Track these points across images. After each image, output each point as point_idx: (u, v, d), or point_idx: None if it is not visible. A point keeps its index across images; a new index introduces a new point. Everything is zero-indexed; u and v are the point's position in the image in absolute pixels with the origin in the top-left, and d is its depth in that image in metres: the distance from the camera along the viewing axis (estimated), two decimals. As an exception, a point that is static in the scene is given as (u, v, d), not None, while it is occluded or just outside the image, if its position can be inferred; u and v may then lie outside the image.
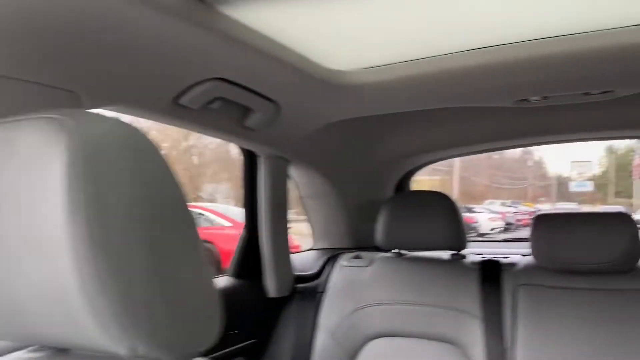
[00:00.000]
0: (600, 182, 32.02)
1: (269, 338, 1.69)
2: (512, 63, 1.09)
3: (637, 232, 1.42)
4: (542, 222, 1.53)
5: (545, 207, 26.01)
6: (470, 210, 17.73)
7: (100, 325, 0.44)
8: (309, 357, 1.63)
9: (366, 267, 1.73)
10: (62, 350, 0.54)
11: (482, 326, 1.48)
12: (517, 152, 34.49)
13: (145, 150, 0.50)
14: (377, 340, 1.61)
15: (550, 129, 1.78)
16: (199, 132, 1.27)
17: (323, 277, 1.78)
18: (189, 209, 0.53)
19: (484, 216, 17.12)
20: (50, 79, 0.83)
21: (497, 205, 23.40)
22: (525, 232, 1.68)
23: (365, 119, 1.54)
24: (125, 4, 0.76)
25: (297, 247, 2.14)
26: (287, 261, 1.71)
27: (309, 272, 1.81)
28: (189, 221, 0.52)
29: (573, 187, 27.86)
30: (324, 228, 2.04)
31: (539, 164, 37.47)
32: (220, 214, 8.71)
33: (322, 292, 1.73)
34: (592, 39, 0.99)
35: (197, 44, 0.92)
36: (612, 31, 0.97)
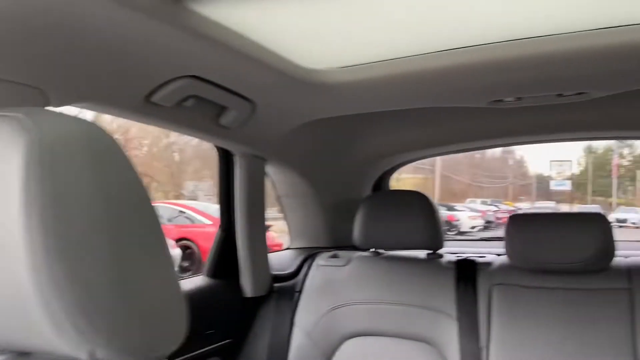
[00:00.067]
0: (579, 181, 32.55)
1: (245, 338, 1.68)
2: (485, 64, 1.09)
3: (611, 232, 1.44)
4: (516, 222, 1.54)
5: (525, 206, 26.39)
6: (451, 209, 17.91)
7: (58, 329, 0.43)
8: (285, 357, 1.63)
9: (343, 266, 1.73)
10: (23, 354, 0.53)
11: (457, 325, 1.49)
12: (498, 151, 34.91)
13: (107, 150, 0.49)
14: (353, 339, 1.61)
15: (525, 129, 1.80)
16: (172, 130, 1.25)
17: (300, 276, 1.77)
18: (153, 209, 0.52)
19: (465, 214, 17.31)
20: (16, 76, 0.81)
21: (477, 203, 23.68)
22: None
23: (343, 118, 1.54)
24: (94, 0, 0.74)
25: (279, 244, 2.13)
26: (264, 260, 1.70)
27: (286, 272, 1.80)
28: (152, 222, 0.51)
29: (553, 186, 28.29)
30: (302, 227, 2.03)
31: (520, 163, 37.98)
32: (201, 211, 8.66)
33: (299, 292, 1.73)
34: (566, 41, 1.00)
35: (169, 42, 0.91)
36: (585, 33, 0.98)
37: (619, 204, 28.82)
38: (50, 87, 0.86)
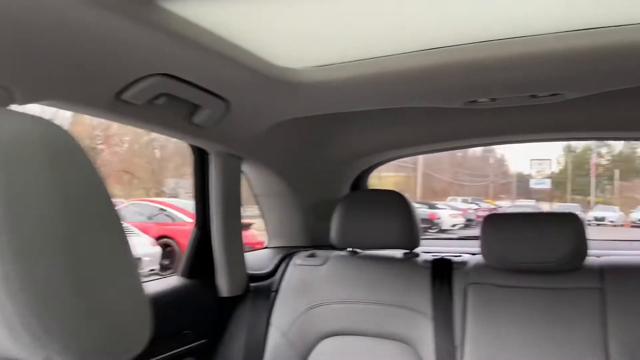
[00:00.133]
0: (558, 180, 33.00)
1: (220, 338, 1.67)
2: (459, 65, 1.10)
3: (584, 232, 1.46)
4: (491, 222, 1.55)
5: (506, 204, 26.67)
6: (432, 207, 18.05)
7: (11, 334, 0.42)
8: (261, 357, 1.62)
9: (320, 265, 1.73)
10: None
11: (432, 324, 1.50)
12: (479, 149, 35.21)
13: (67, 150, 0.48)
14: (329, 339, 1.61)
15: (502, 130, 1.81)
16: (144, 128, 1.24)
17: (277, 275, 1.77)
18: (115, 210, 0.51)
19: (446, 213, 17.46)
20: None
21: (459, 201, 23.88)
22: None
23: (320, 117, 1.53)
24: None
25: (261, 243, 2.12)
26: (241, 260, 1.69)
27: (263, 271, 1.79)
28: (114, 223, 0.50)
29: (533, 184, 28.65)
30: (279, 226, 2.02)
31: (501, 162, 38.36)
32: (181, 209, 8.60)
33: (276, 291, 1.72)
34: (539, 43, 1.00)
35: (138, 39, 0.90)
36: (558, 35, 0.98)
37: (597, 203, 29.31)
38: (14, 85, 0.84)
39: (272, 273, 1.78)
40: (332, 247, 1.74)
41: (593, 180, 32.20)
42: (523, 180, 33.21)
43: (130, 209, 9.73)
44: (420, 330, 1.51)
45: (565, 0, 0.88)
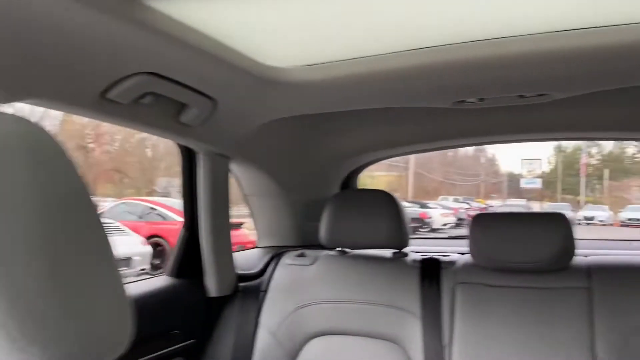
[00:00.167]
0: (549, 180, 33.18)
1: (209, 338, 1.66)
2: (447, 65, 1.10)
3: (571, 232, 1.47)
4: (479, 222, 1.56)
5: (497, 203, 26.80)
6: (424, 206, 18.10)
7: None
8: (249, 357, 1.62)
9: (310, 265, 1.72)
10: None
11: (421, 324, 1.50)
12: (470, 149, 35.34)
13: (47, 150, 0.47)
14: (318, 338, 1.61)
15: (491, 130, 1.82)
16: (131, 127, 1.23)
17: (266, 275, 1.76)
18: (96, 211, 0.50)
19: (437, 212, 17.52)
20: None
21: (450, 201, 23.96)
22: None
23: (309, 117, 1.53)
24: None
25: (253, 242, 2.12)
26: (229, 260, 1.68)
27: (252, 271, 1.78)
28: (94, 224, 0.49)
29: (523, 184, 28.78)
30: (269, 226, 2.02)
31: (492, 161, 38.54)
32: (172, 208, 8.57)
33: (265, 291, 1.71)
34: (526, 43, 1.01)
35: (123, 38, 0.89)
36: (545, 35, 0.98)
37: (587, 202, 29.52)
38: None
39: (261, 273, 1.78)
40: (322, 247, 1.74)
41: (583, 179, 32.42)
42: (514, 179, 33.36)
43: (121, 207, 9.69)
44: (409, 329, 1.51)
45: (551, 1, 0.88)
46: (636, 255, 1.53)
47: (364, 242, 1.66)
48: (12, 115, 0.47)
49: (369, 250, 1.72)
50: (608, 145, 33.78)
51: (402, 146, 2.00)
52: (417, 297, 1.54)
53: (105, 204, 11.23)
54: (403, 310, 1.54)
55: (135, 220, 8.78)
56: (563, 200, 29.98)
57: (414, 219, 16.36)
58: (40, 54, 0.85)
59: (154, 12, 0.87)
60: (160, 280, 1.62)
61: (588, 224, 21.68)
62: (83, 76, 0.95)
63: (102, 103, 1.03)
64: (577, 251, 1.47)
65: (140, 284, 1.59)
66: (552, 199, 31.12)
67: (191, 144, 1.49)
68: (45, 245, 0.43)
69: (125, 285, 0.53)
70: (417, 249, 1.78)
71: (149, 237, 7.87)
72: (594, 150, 34.00)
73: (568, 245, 1.45)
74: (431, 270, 1.59)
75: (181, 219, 1.67)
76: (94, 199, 0.50)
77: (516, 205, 22.17)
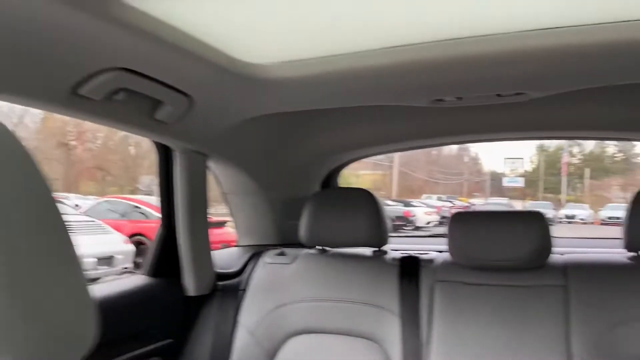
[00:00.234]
0: (531, 179, 33.53)
1: (186, 337, 1.65)
2: (425, 63, 1.09)
3: (549, 230, 1.48)
4: (458, 220, 1.56)
5: (479, 202, 27.03)
6: (407, 205, 18.21)
7: None
8: (228, 356, 1.60)
9: (289, 264, 1.71)
10: None
11: (400, 322, 1.50)
12: (454, 148, 35.61)
13: (6, 148, 0.45)
14: (297, 337, 1.60)
15: (471, 129, 1.82)
16: (104, 124, 1.20)
17: (245, 274, 1.75)
18: (58, 211, 0.49)
19: (421, 210, 17.63)
20: None
21: (433, 199, 24.12)
22: None
23: (288, 114, 1.52)
24: None
25: (235, 241, 2.10)
26: (208, 259, 1.67)
27: (231, 270, 1.77)
28: (56, 224, 0.48)
29: (506, 182, 29.06)
30: (248, 224, 2.00)
31: (475, 160, 38.85)
32: (155, 206, 8.50)
33: (244, 290, 1.70)
34: (503, 41, 1.01)
35: (94, 32, 0.87)
36: (522, 34, 0.99)
37: (568, 201, 29.91)
38: None
39: (240, 272, 1.77)
40: (302, 246, 1.73)
41: (564, 178, 32.84)
42: (496, 178, 33.69)
43: (103, 206, 9.61)
44: (388, 327, 1.51)
45: (527, 0, 0.89)
46: (612, 253, 1.54)
47: (344, 240, 1.66)
48: None
49: (349, 249, 1.72)
50: (589, 145, 34.26)
51: (382, 144, 2.00)
52: (396, 295, 1.54)
53: (87, 202, 11.12)
54: (382, 308, 1.53)
55: (118, 219, 8.73)
56: (545, 199, 30.31)
57: (398, 217, 16.47)
58: (6, 48, 0.83)
59: (126, 6, 0.85)
60: (137, 280, 1.60)
61: (569, 222, 21.98)
62: (52, 71, 0.93)
63: (73, 99, 1.01)
64: (554, 249, 1.48)
65: (117, 283, 1.57)
66: (534, 197, 31.46)
67: (167, 142, 1.47)
68: (6, 249, 0.42)
69: (90, 286, 0.52)
70: (398, 247, 1.78)
71: (131, 236, 7.82)
72: (575, 150, 34.46)
73: (545, 243, 1.46)
74: (410, 269, 1.59)
75: (165, 218, 1.64)
76: (57, 199, 0.49)
77: (498, 203, 22.39)
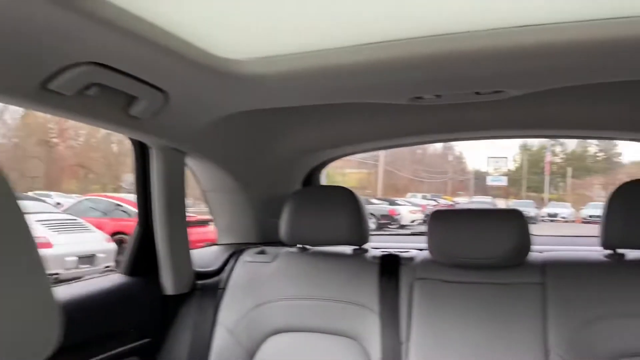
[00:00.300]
0: (514, 177, 33.89)
1: (164, 337, 1.63)
2: (402, 60, 1.09)
3: (527, 228, 1.48)
4: (437, 218, 1.56)
5: (463, 200, 27.24)
6: (392, 203, 18.30)
7: None
8: (206, 355, 1.59)
9: (270, 262, 1.70)
10: None
11: (379, 320, 1.49)
12: (438, 147, 35.91)
13: None
14: (277, 336, 1.59)
15: (452, 127, 1.82)
16: (77, 120, 1.18)
17: (225, 273, 1.73)
18: (19, 209, 0.47)
19: (406, 209, 17.74)
20: None
21: (418, 198, 24.26)
22: None
23: (268, 111, 1.50)
24: None
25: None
26: (186, 257, 1.65)
27: (211, 268, 1.75)
28: (19, 226, 0.46)
29: (489, 181, 29.35)
30: (229, 223, 1.99)
31: (459, 159, 39.16)
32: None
33: (224, 289, 1.69)
34: (481, 38, 1.00)
35: (63, 25, 0.85)
36: (500, 31, 0.98)
37: (550, 200, 30.29)
38: None
39: (219, 270, 1.75)
40: (282, 244, 1.72)
41: (547, 177, 33.24)
42: (480, 177, 33.98)
43: (85, 204, 9.52)
44: (368, 326, 1.51)
45: None
46: (590, 251, 1.55)
47: (325, 238, 1.65)
48: None
49: (330, 247, 1.71)
50: (571, 144, 34.74)
51: (363, 142, 1.99)
52: (376, 293, 1.53)
53: (69, 201, 11.00)
54: (362, 306, 1.53)
55: (100, 217, 8.66)
56: (528, 197, 30.68)
57: (383, 216, 16.55)
58: None
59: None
60: (114, 279, 1.58)
61: (552, 220, 22.27)
62: (20, 66, 0.91)
63: (43, 94, 0.98)
64: (533, 247, 1.49)
65: (93, 282, 1.55)
66: (517, 196, 31.79)
67: (143, 138, 1.45)
68: None
69: (53, 288, 0.51)
70: (379, 245, 1.77)
71: (113, 234, 7.75)
72: (558, 149, 34.92)
73: (524, 241, 1.47)
74: (390, 267, 1.59)
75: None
76: (18, 199, 0.47)
77: (482, 202, 22.58)
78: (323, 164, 2.15)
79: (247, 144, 1.79)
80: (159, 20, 0.96)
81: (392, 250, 1.69)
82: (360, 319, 1.52)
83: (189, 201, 1.65)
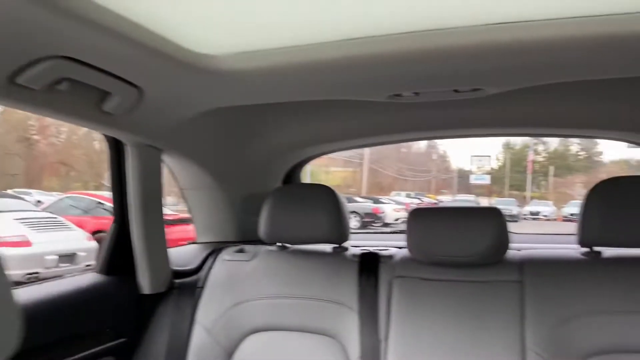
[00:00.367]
0: (497, 176, 34.22)
1: (141, 336, 1.61)
2: (380, 56, 1.08)
3: (505, 226, 1.48)
4: (416, 216, 1.56)
5: (447, 199, 27.45)
6: (377, 201, 18.36)
7: None
8: (184, 355, 1.57)
9: (249, 261, 1.69)
10: None
11: (358, 318, 1.49)
12: (423, 146, 36.13)
13: None
14: (255, 334, 1.58)
15: (432, 124, 1.82)
16: (48, 116, 1.15)
17: (203, 271, 1.72)
18: None
19: (390, 207, 17.81)
20: None
21: (402, 196, 24.38)
22: None
23: (246, 108, 1.48)
24: None
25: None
26: (164, 256, 1.63)
27: (189, 267, 1.73)
28: None
29: (472, 180, 29.61)
30: (207, 221, 1.96)
31: (443, 158, 39.44)
32: (120, 203, 8.32)
33: (202, 288, 1.67)
34: (459, 35, 1.00)
35: (31, 18, 0.82)
36: (477, 28, 0.98)
37: (532, 198, 30.64)
38: None
39: (198, 269, 1.73)
40: (262, 242, 1.70)
41: (529, 176, 33.61)
42: (464, 175, 34.26)
43: (65, 202, 9.40)
44: (347, 324, 1.50)
45: None
46: (568, 249, 1.56)
47: (304, 237, 1.64)
48: None
49: (310, 245, 1.70)
50: (554, 143, 35.16)
51: (343, 140, 1.98)
52: (355, 292, 1.53)
53: (50, 199, 10.85)
54: (341, 304, 1.52)
55: (81, 215, 8.55)
56: (510, 195, 31.00)
57: (367, 214, 16.61)
58: None
59: None
60: (89, 278, 1.56)
61: (534, 218, 22.53)
62: None
63: (10, 88, 0.95)
64: (512, 245, 1.49)
65: (66, 281, 1.52)
66: (500, 194, 32.11)
67: (117, 135, 1.42)
68: None
69: (13, 290, 0.49)
70: (359, 243, 1.77)
71: (94, 232, 7.65)
72: (540, 148, 35.33)
73: (502, 239, 1.47)
74: (370, 265, 1.58)
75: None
76: None
77: (465, 200, 22.78)
78: (304, 162, 2.13)
79: (225, 141, 1.77)
80: (133, 14, 0.93)
81: (371, 249, 1.69)
82: (340, 317, 1.52)
83: (172, 199, 1.63)
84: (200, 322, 1.60)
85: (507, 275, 1.46)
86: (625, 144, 1.95)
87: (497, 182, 33.86)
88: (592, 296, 1.37)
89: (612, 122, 1.70)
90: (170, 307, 1.64)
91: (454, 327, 1.41)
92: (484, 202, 24.51)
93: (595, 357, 1.32)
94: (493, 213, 1.51)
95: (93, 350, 1.42)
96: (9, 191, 12.29)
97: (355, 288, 1.53)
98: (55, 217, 7.46)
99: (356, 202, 17.56)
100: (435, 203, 22.60)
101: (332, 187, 1.67)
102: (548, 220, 22.37)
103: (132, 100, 1.19)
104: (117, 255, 1.58)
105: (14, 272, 5.49)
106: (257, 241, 1.73)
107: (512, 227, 1.53)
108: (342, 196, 1.68)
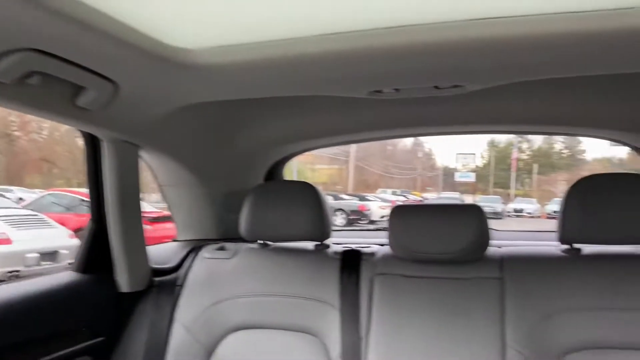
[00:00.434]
0: (482, 174, 34.50)
1: (119, 335, 1.58)
2: (362, 51, 1.06)
3: (486, 223, 1.49)
4: (397, 213, 1.55)
5: (432, 196, 27.61)
6: (363, 199, 18.40)
7: None
8: (163, 353, 1.55)
9: (229, 258, 1.67)
10: None
11: (339, 316, 1.48)
12: (408, 143, 36.27)
13: None
14: (236, 333, 1.57)
15: (413, 121, 1.82)
16: (18, 110, 1.12)
17: (183, 269, 1.70)
18: None
19: (376, 204, 17.85)
20: None
21: (388, 193, 24.45)
22: None
23: (226, 103, 1.46)
24: None
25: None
26: (142, 253, 1.60)
27: (169, 265, 1.71)
28: None
29: (458, 177, 29.81)
30: (188, 218, 1.94)
31: (428, 156, 39.64)
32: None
33: (181, 286, 1.65)
34: (439, 31, 0.98)
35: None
36: (457, 24, 0.97)
37: (517, 195, 30.96)
38: None
39: (177, 267, 1.71)
40: (243, 240, 1.69)
41: (514, 174, 33.92)
42: (449, 173, 34.48)
43: (47, 199, 9.29)
44: (328, 321, 1.49)
45: None
46: (548, 246, 1.56)
47: (286, 234, 1.63)
48: None
49: (291, 243, 1.69)
50: (537, 141, 35.50)
51: (325, 137, 1.97)
52: (337, 289, 1.52)
53: (32, 196, 10.70)
54: (322, 302, 1.51)
55: (63, 212, 8.45)
56: (495, 193, 31.26)
57: (353, 212, 16.65)
58: None
59: None
60: (65, 276, 1.53)
61: (517, 216, 22.75)
62: None
63: None
64: (492, 242, 1.49)
65: (43, 280, 1.49)
66: (485, 192, 32.36)
67: (92, 130, 1.39)
68: None
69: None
70: (341, 240, 1.76)
71: (77, 230, 7.56)
72: (524, 146, 35.67)
73: (482, 236, 1.47)
74: (351, 262, 1.57)
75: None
76: None
77: (450, 198, 22.94)
78: (286, 159, 2.12)
79: (205, 137, 1.74)
80: (105, 5, 0.91)
81: (353, 246, 1.68)
82: (321, 315, 1.51)
83: (157, 197, 1.61)
84: (180, 321, 1.59)
85: (487, 273, 1.46)
86: (608, 142, 1.96)
87: (481, 179, 34.13)
88: (571, 293, 1.37)
89: (594, 120, 1.70)
90: (149, 305, 1.62)
91: (434, 324, 1.41)
92: (469, 199, 24.69)
93: (575, 353, 1.33)
94: (474, 210, 1.51)
95: (70, 349, 1.40)
96: (-10, 188, 12.11)
97: (337, 285, 1.52)
98: (37, 215, 7.37)
99: (342, 199, 17.57)
100: (421, 200, 22.73)
101: (314, 184, 1.65)
102: (532, 217, 22.60)
103: (107, 95, 1.17)
104: (95, 253, 1.55)
105: (-6, 270, 5.41)
106: (238, 239, 1.71)
107: (496, 224, 1.53)
108: (325, 193, 1.66)
